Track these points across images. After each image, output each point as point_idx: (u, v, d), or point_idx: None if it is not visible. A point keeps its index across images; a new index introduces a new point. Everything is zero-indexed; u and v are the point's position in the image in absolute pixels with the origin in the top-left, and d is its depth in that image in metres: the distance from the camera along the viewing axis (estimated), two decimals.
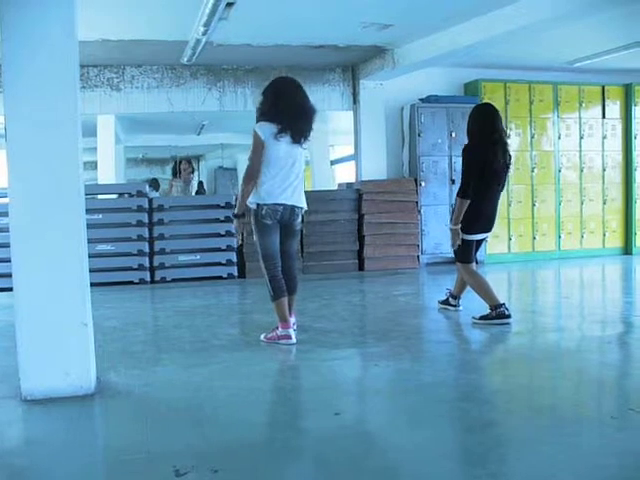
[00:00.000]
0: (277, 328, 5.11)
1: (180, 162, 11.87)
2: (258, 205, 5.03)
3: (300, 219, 5.24)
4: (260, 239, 5.12)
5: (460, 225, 5.62)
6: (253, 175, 5.01)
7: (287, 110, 4.96)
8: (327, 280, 8.72)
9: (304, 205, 5.20)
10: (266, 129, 4.96)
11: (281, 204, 5.02)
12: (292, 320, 5.37)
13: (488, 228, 5.82)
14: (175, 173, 11.90)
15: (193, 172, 11.96)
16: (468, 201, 5.54)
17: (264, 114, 5.05)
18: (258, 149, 4.98)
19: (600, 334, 5.43)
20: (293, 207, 5.10)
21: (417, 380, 4.08)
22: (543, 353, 4.75)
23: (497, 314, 5.53)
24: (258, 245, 5.15)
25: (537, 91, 10.45)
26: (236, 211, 5.19)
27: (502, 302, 5.57)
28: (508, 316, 5.53)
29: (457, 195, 5.68)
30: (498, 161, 5.60)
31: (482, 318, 5.60)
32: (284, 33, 8.18)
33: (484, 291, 5.69)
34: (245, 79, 9.82)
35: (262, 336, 5.20)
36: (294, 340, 5.05)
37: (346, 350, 4.98)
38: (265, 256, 5.12)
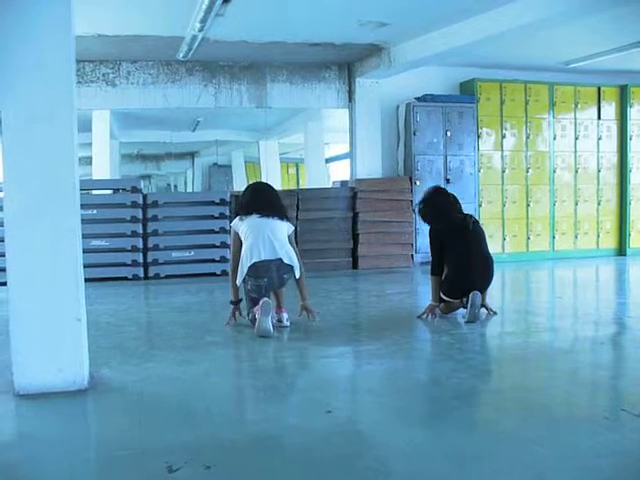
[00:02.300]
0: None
1: None
2: (244, 280, 5.38)
3: (290, 275, 5.49)
4: (249, 303, 5.51)
5: (438, 302, 5.89)
6: (234, 265, 5.53)
7: (255, 206, 5.51)
8: (321, 278, 8.71)
9: (292, 263, 5.44)
10: (237, 221, 5.56)
11: (262, 268, 5.33)
12: (285, 316, 5.57)
13: (469, 289, 5.71)
14: None
15: None
16: (437, 277, 5.90)
17: (239, 210, 5.68)
18: (235, 242, 5.55)
19: (593, 335, 5.44)
20: (278, 270, 5.40)
21: (410, 379, 4.09)
22: (536, 353, 4.75)
23: None
24: (247, 302, 5.55)
25: (533, 91, 10.47)
26: (232, 298, 5.60)
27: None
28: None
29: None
30: (459, 226, 5.87)
31: None
32: (281, 30, 8.18)
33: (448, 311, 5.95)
34: (241, 76, 9.81)
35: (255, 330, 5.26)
36: (260, 303, 5.20)
37: (339, 348, 4.98)
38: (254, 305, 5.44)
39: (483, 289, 5.84)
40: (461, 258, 5.81)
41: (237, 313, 5.60)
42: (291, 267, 5.44)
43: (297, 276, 5.50)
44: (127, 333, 5.50)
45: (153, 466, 2.74)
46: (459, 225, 5.87)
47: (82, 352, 3.86)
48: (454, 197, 6.09)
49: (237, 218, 5.57)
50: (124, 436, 3.14)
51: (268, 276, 5.36)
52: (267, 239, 5.37)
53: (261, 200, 5.55)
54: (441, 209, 5.96)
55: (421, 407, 3.65)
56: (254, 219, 5.44)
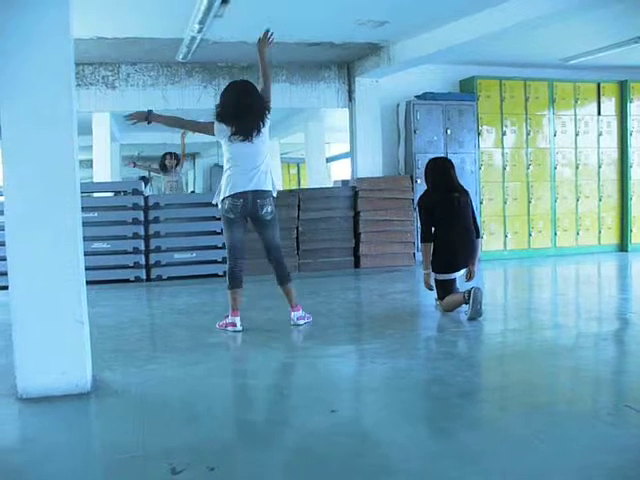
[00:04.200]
0: (227, 316, 5.48)
1: (164, 157, 11.78)
2: (222, 200, 5.42)
3: (268, 209, 5.45)
4: (225, 232, 5.54)
5: (430, 270, 6.03)
6: (183, 125, 6.22)
7: (233, 113, 5.35)
8: (323, 277, 8.72)
9: (266, 188, 5.44)
10: (222, 129, 5.39)
11: (239, 194, 5.35)
12: (300, 313, 5.61)
13: (455, 268, 5.98)
14: (163, 168, 11.81)
15: (178, 165, 11.87)
16: (429, 244, 6.00)
17: (217, 115, 5.43)
18: (203, 129, 5.57)
19: (596, 331, 5.44)
20: (254, 195, 5.36)
21: (413, 377, 4.08)
22: (539, 350, 4.74)
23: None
24: (224, 237, 5.59)
25: (532, 88, 10.46)
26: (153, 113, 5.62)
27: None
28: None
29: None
30: (447, 202, 5.98)
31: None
32: (279, 30, 8.05)
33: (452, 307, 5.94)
34: (240, 76, 9.74)
35: (217, 323, 5.59)
36: (239, 328, 5.41)
37: (342, 347, 4.98)
38: (229, 248, 5.52)
39: (468, 263, 6.00)
40: (445, 233, 5.97)
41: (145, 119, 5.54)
42: (268, 192, 5.44)
43: (274, 195, 5.54)
44: (129, 335, 5.50)
45: (156, 468, 2.74)
46: (447, 199, 6.00)
47: (85, 355, 3.85)
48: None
49: (224, 126, 5.38)
50: (127, 439, 3.13)
51: (244, 197, 5.33)
52: (246, 173, 5.35)
53: (242, 114, 5.35)
54: (444, 175, 6.17)
55: (425, 405, 3.65)
56: (237, 145, 5.36)
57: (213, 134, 5.43)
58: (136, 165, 13.30)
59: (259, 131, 5.40)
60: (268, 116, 5.48)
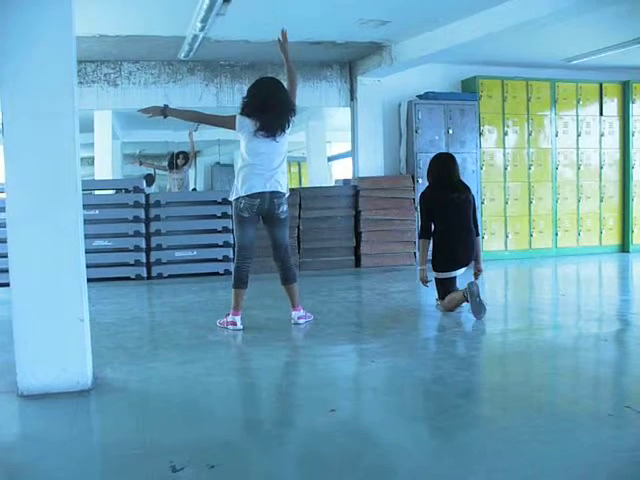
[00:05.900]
0: (229, 314, 5.49)
1: (177, 156, 11.94)
2: (237, 199, 5.37)
3: (283, 208, 5.45)
4: (237, 230, 5.49)
5: (426, 265, 6.08)
6: (202, 119, 5.88)
7: (261, 107, 5.30)
8: (323, 277, 8.72)
9: (282, 189, 5.41)
10: (245, 123, 5.32)
11: (257, 194, 5.30)
12: (301, 313, 5.61)
13: (454, 266, 5.99)
14: (171, 166, 11.94)
15: (186, 164, 12.06)
16: (426, 240, 6.05)
17: (243, 108, 5.39)
18: (224, 123, 5.46)
19: (597, 332, 5.43)
20: (271, 196, 5.33)
21: (414, 377, 4.08)
22: (540, 350, 4.75)
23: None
24: (235, 236, 5.55)
25: (534, 88, 10.45)
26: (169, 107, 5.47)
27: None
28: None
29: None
30: (447, 201, 5.99)
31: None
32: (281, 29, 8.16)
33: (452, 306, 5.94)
34: (242, 75, 9.80)
35: (217, 321, 5.61)
36: (240, 327, 5.42)
37: (343, 346, 4.98)
38: (239, 247, 5.49)
39: (467, 261, 6.04)
40: (445, 231, 5.99)
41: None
42: (283, 194, 5.42)
43: (287, 196, 5.49)
44: (130, 333, 5.50)
45: (157, 466, 2.74)
46: (448, 196, 6.00)
47: (85, 352, 3.86)
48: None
49: (248, 120, 5.31)
50: (128, 436, 3.14)
51: (261, 198, 5.30)
52: (264, 173, 5.30)
53: (270, 109, 5.29)
54: (444, 171, 6.16)
55: (425, 405, 3.65)
56: (259, 142, 5.30)
57: (233, 128, 5.35)
58: (142, 164, 13.38)
59: (283, 130, 5.36)
60: (293, 118, 5.44)
